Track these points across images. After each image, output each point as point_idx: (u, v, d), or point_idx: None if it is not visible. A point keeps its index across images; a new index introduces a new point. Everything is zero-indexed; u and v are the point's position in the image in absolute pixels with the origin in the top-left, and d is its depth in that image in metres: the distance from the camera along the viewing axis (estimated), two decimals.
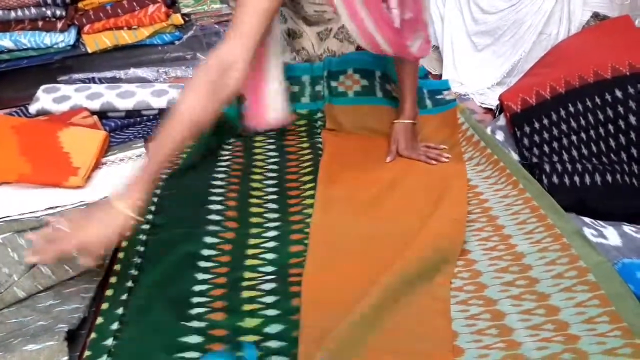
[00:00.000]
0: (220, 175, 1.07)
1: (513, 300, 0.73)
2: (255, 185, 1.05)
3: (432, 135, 1.19)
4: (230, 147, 1.19)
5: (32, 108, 1.31)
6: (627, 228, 0.89)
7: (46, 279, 0.82)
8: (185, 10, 1.64)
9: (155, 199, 0.99)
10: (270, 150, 1.18)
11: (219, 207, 0.97)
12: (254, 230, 0.93)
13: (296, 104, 1.28)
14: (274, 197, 1.02)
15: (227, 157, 1.14)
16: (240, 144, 1.20)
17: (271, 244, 0.90)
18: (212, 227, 0.92)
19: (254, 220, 0.95)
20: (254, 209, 0.98)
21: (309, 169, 1.09)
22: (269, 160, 1.14)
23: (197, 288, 0.80)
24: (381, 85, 1.28)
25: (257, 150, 1.18)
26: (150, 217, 0.95)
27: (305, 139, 1.21)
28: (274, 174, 1.09)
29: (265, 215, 0.97)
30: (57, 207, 1.00)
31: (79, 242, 0.72)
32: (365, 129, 1.20)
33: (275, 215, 0.96)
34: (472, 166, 1.08)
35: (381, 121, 1.19)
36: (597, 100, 1.06)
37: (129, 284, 0.82)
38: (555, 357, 0.64)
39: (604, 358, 0.63)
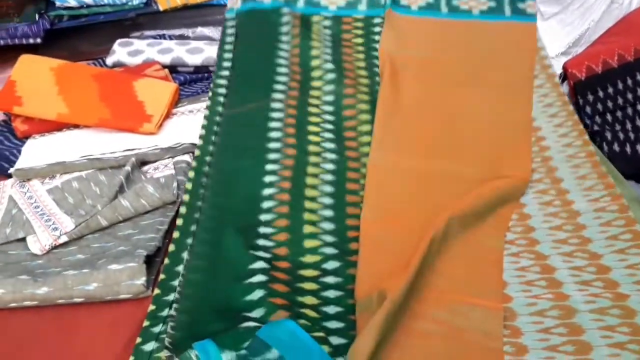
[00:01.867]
0: (279, 96, 1.05)
1: (564, 257, 0.75)
2: (313, 110, 1.04)
3: (510, 48, 1.12)
4: (287, 60, 1.14)
5: (109, 60, 1.40)
6: None
7: (126, 211, 0.91)
8: None
9: (216, 128, 1.03)
10: (327, 61, 1.13)
11: (278, 134, 0.96)
12: (313, 159, 0.94)
13: (353, 9, 1.27)
14: (331, 127, 1.00)
15: (285, 73, 1.11)
16: (297, 52, 1.16)
17: (329, 177, 0.91)
18: (272, 156, 0.94)
19: (312, 149, 0.96)
20: (312, 138, 0.98)
21: (366, 97, 1.06)
22: (325, 78, 1.10)
23: (262, 217, 0.84)
24: (447, 0, 1.24)
25: (314, 63, 1.14)
26: (211, 147, 0.99)
27: (362, 54, 1.16)
28: (331, 98, 1.06)
29: (323, 144, 0.97)
30: (133, 149, 1.09)
31: None
32: (428, 44, 1.15)
33: (332, 146, 0.96)
34: (540, 99, 1.02)
35: (445, 37, 1.15)
36: None
37: (197, 215, 0.87)
38: (603, 311, 0.66)
39: None
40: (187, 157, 1.05)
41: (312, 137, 0.99)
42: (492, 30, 1.17)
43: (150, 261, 0.82)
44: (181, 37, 1.61)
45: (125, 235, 0.88)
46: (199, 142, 1.02)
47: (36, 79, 1.19)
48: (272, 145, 0.96)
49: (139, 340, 0.72)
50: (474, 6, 1.24)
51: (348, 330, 0.69)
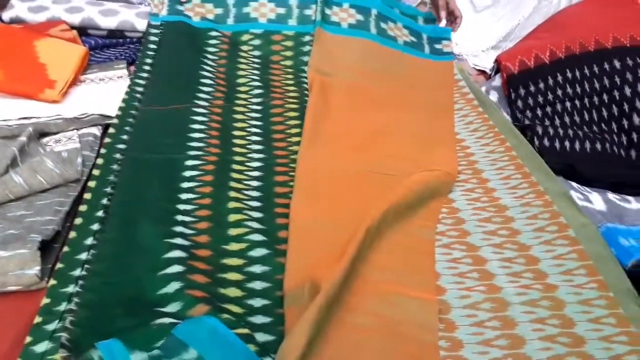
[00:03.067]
0: (202, 103, 1.01)
1: (495, 248, 0.75)
2: (239, 117, 1.01)
3: (429, 80, 1.17)
4: (212, 74, 1.12)
5: (5, 15, 1.22)
6: (612, 195, 0.91)
7: (18, 188, 0.78)
8: None
9: (132, 120, 0.95)
10: (255, 80, 1.12)
11: (199, 144, 0.92)
12: (237, 158, 0.90)
13: (283, 25, 1.24)
14: (258, 130, 0.98)
15: (210, 84, 1.08)
16: (223, 70, 1.14)
17: (256, 173, 0.88)
18: (193, 153, 0.88)
19: (237, 150, 0.92)
20: (237, 141, 0.95)
21: (294, 106, 1.05)
22: (252, 92, 1.09)
23: (181, 207, 0.78)
24: (376, 22, 1.26)
25: (240, 81, 1.12)
26: (125, 137, 0.91)
27: (291, 75, 1.16)
28: (258, 107, 1.05)
29: (249, 146, 0.94)
30: (31, 117, 0.95)
31: None
32: (356, 66, 1.17)
33: (260, 147, 0.94)
34: (461, 119, 1.07)
35: (372, 60, 1.16)
36: (595, 68, 1.06)
37: (104, 201, 0.79)
38: (534, 303, 0.66)
39: (579, 307, 0.65)
40: (94, 130, 0.93)
41: (237, 140, 0.95)
42: (414, 62, 1.23)
43: (47, 248, 0.71)
44: None
45: (17, 217, 0.76)
46: (110, 130, 0.93)
47: None
48: (194, 144, 0.91)
49: (28, 339, 0.62)
50: (399, 35, 1.28)
51: (275, 326, 0.63)
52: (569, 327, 0.63)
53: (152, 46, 1.16)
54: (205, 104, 1.01)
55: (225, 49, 1.20)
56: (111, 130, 0.93)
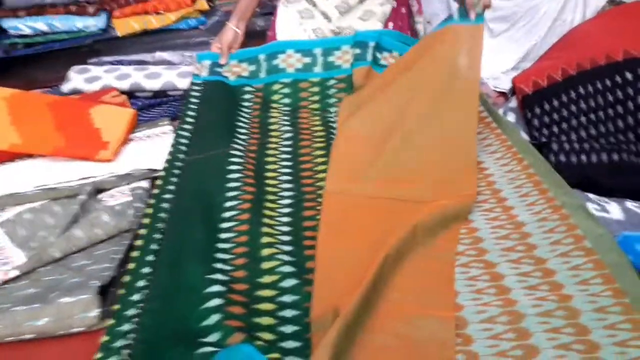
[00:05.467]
0: (238, 147, 1.11)
1: (512, 264, 0.78)
2: (270, 159, 1.11)
3: (455, 48, 1.11)
4: (247, 123, 1.23)
5: (65, 87, 1.40)
6: (630, 204, 0.92)
7: (79, 241, 0.90)
8: None
9: (177, 170, 1.05)
10: (285, 125, 1.23)
11: (237, 183, 1.00)
12: (270, 197, 0.99)
13: (309, 73, 1.34)
14: (288, 170, 1.07)
15: (245, 132, 1.19)
16: (257, 119, 1.25)
17: (286, 210, 0.96)
18: (231, 194, 0.97)
19: (269, 189, 1.01)
20: (269, 181, 1.04)
21: (321, 145, 1.14)
22: (282, 136, 1.19)
23: (220, 245, 0.86)
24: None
25: (272, 127, 1.23)
26: (172, 187, 1.01)
27: (318, 117, 1.25)
28: (288, 148, 1.14)
29: (280, 186, 1.03)
30: (89, 177, 1.07)
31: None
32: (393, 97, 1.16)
33: (289, 185, 1.02)
34: (480, 142, 1.10)
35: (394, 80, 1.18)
36: (607, 82, 1.08)
37: (154, 246, 0.88)
38: (549, 314, 0.68)
39: (595, 315, 0.67)
40: (144, 183, 1.04)
41: (270, 180, 1.04)
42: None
43: (105, 291, 0.81)
44: (140, 62, 1.61)
45: (79, 267, 0.87)
46: (158, 182, 1.03)
47: None
48: (231, 184, 0.99)
49: None
50: None
51: (305, 349, 0.69)
52: (583, 335, 0.65)
53: (194, 101, 1.28)
54: (241, 148, 1.11)
55: (259, 101, 1.31)
56: (158, 182, 1.03)
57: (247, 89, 1.34)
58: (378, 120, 1.10)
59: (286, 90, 1.34)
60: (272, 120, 1.26)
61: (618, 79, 1.06)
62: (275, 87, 1.34)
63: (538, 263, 0.77)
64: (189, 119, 1.22)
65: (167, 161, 1.09)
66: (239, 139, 1.15)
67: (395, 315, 0.71)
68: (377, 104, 1.14)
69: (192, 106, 1.26)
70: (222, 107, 1.26)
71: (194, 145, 1.13)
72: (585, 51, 1.16)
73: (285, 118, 1.26)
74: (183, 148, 1.12)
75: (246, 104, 1.30)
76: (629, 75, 1.06)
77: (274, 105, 1.32)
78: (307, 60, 1.35)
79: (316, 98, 1.32)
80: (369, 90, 1.21)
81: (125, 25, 1.63)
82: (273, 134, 1.20)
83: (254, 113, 1.27)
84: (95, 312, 0.76)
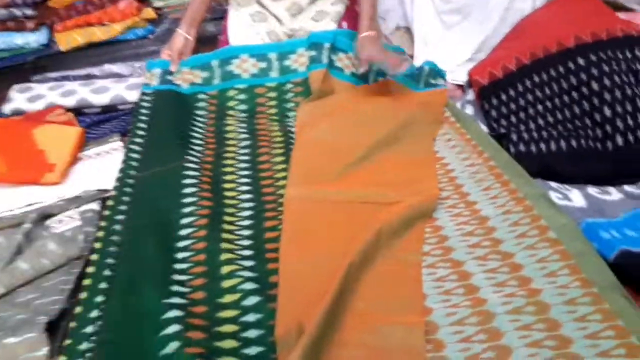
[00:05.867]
0: (193, 159, 1.06)
1: (479, 260, 0.76)
2: (228, 169, 1.06)
3: (419, 110, 1.17)
4: (202, 133, 1.18)
5: (6, 108, 1.32)
6: (591, 190, 0.92)
7: (25, 274, 0.83)
8: (157, 4, 1.65)
9: (129, 189, 1.00)
10: (242, 132, 1.18)
11: (192, 198, 0.96)
12: (228, 210, 0.94)
13: (265, 78, 1.30)
14: (247, 180, 1.03)
15: (200, 143, 1.14)
16: (212, 129, 1.20)
17: (246, 222, 0.92)
18: (187, 210, 0.92)
19: (228, 201, 0.97)
20: (228, 193, 1.00)
21: (280, 151, 1.10)
22: (240, 145, 1.14)
23: (177, 266, 0.82)
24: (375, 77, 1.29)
25: (229, 135, 1.18)
26: (123, 207, 0.96)
27: (276, 122, 1.22)
28: (246, 157, 1.10)
29: (239, 197, 0.98)
30: (35, 203, 1.01)
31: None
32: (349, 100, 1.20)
33: (249, 196, 0.98)
34: (441, 136, 1.09)
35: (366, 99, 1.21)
36: (561, 68, 1.09)
37: (107, 272, 0.83)
38: (519, 311, 0.67)
39: (564, 308, 0.66)
40: (94, 205, 0.99)
41: (228, 192, 1.00)
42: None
43: (55, 325, 0.75)
44: (88, 76, 1.54)
45: (25, 302, 0.80)
46: (109, 202, 0.98)
47: None
48: (187, 200, 0.95)
49: None
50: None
51: None
52: (554, 330, 0.64)
53: (145, 112, 1.22)
54: (197, 160, 1.06)
55: (213, 110, 1.26)
56: (110, 202, 0.98)
57: (201, 96, 1.29)
58: (340, 134, 1.09)
59: (242, 97, 1.29)
60: (228, 128, 1.21)
61: (571, 65, 1.07)
62: (231, 93, 1.30)
63: (505, 258, 0.76)
64: (139, 132, 1.16)
65: (118, 179, 1.03)
66: (194, 150, 1.10)
67: (361, 327, 0.68)
68: (339, 119, 1.13)
69: (143, 118, 1.21)
70: (175, 117, 1.21)
71: (145, 161, 1.07)
72: (537, 39, 1.16)
73: (242, 125, 1.22)
74: (134, 164, 1.07)
75: (200, 112, 1.25)
76: (581, 61, 1.06)
77: (230, 112, 1.27)
78: (263, 65, 1.31)
79: (273, 103, 1.28)
80: (330, 105, 1.18)
81: (69, 39, 1.55)
82: (230, 142, 1.15)
83: (209, 122, 1.22)
84: (43, 351, 0.70)
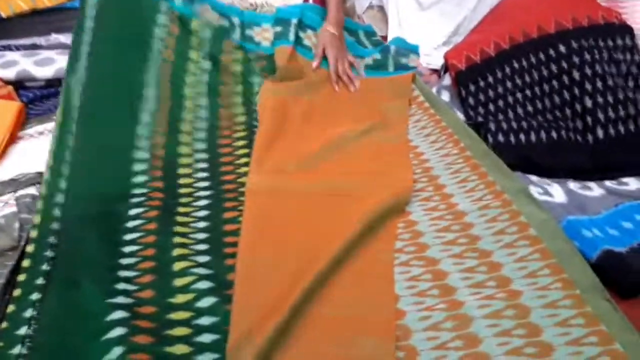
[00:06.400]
0: (143, 144, 0.94)
1: (454, 259, 0.72)
2: (184, 151, 0.96)
3: (384, 92, 1.13)
4: (158, 67, 1.05)
5: None
6: (572, 185, 0.89)
7: None
8: None
9: (67, 166, 0.89)
10: (202, 91, 1.08)
11: (142, 185, 0.87)
12: (183, 200, 0.86)
13: (228, 34, 1.18)
14: (205, 164, 0.94)
15: (154, 96, 1.01)
16: (169, 73, 1.07)
17: (203, 213, 0.83)
18: (136, 200, 0.83)
19: (183, 190, 0.88)
20: (183, 180, 0.90)
21: (243, 134, 1.01)
22: (199, 114, 1.04)
23: (123, 261, 0.74)
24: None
25: (187, 90, 1.06)
26: (63, 184, 0.85)
27: (240, 85, 1.12)
28: (205, 134, 1.00)
29: (196, 185, 0.89)
30: None
31: None
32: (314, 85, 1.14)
33: (206, 184, 0.89)
34: (414, 124, 1.04)
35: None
36: (541, 55, 1.04)
37: (45, 267, 0.74)
38: (498, 315, 0.63)
39: (545, 311, 0.62)
40: (32, 190, 0.89)
41: (183, 178, 0.90)
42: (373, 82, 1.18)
43: None
44: (33, 46, 1.40)
45: None
46: (44, 184, 0.86)
47: None
48: (137, 190, 0.85)
49: None
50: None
51: None
52: (535, 336, 0.59)
53: (87, 32, 1.10)
54: (148, 130, 0.95)
55: (175, 32, 1.12)
56: (46, 176, 0.86)
57: (163, 8, 1.12)
58: (308, 121, 1.03)
59: (207, 34, 1.15)
60: (188, 79, 1.07)
61: (552, 52, 1.02)
62: (194, 24, 1.15)
63: (482, 256, 0.71)
64: (80, 63, 1.05)
65: (53, 154, 0.90)
66: (145, 108, 0.98)
67: (323, 337, 0.62)
68: (307, 105, 1.07)
69: (85, 42, 1.08)
70: (126, 45, 1.06)
71: (85, 125, 0.94)
72: (516, 23, 1.12)
73: (204, 78, 1.09)
74: (73, 129, 0.94)
75: (159, 33, 1.09)
76: (562, 48, 1.02)
77: (193, 39, 1.13)
78: (225, 23, 1.19)
79: (238, 63, 1.16)
80: (297, 88, 1.11)
81: (10, 4, 1.40)
82: (187, 104, 1.03)
83: (167, 53, 1.08)
84: None
